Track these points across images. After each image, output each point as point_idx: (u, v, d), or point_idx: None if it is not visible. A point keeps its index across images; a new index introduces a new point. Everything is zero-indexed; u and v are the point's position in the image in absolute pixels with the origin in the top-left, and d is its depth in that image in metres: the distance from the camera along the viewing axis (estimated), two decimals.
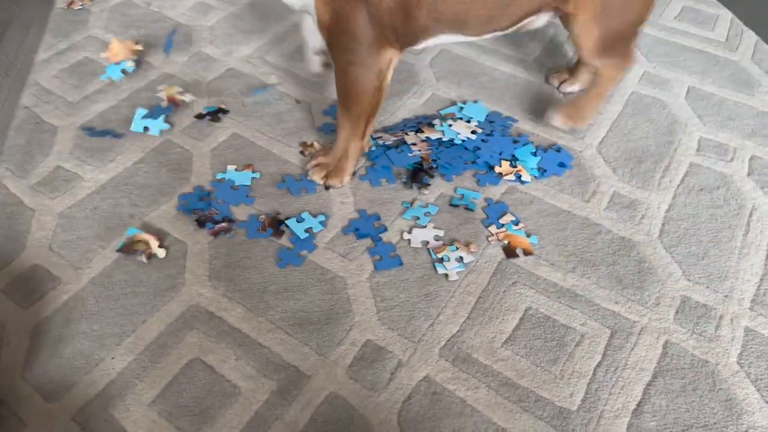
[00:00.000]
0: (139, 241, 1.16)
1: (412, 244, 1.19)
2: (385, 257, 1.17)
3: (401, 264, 1.16)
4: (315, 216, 1.24)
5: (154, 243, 1.15)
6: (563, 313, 1.09)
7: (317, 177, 1.29)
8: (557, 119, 1.36)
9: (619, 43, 1.21)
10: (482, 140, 1.37)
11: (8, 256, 1.16)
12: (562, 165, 1.34)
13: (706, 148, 1.39)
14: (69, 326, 1.06)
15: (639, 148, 1.38)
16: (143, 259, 1.14)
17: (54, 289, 1.11)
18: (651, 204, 1.27)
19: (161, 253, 1.15)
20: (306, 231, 1.21)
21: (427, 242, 1.20)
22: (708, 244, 1.19)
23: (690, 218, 1.24)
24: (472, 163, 1.34)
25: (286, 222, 1.22)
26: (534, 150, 1.36)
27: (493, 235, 1.21)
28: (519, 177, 1.31)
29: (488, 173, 1.32)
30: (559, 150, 1.37)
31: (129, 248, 1.15)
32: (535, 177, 1.32)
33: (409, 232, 1.21)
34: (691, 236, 1.21)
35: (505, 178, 1.30)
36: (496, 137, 1.38)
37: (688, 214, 1.25)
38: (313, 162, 1.31)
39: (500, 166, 1.32)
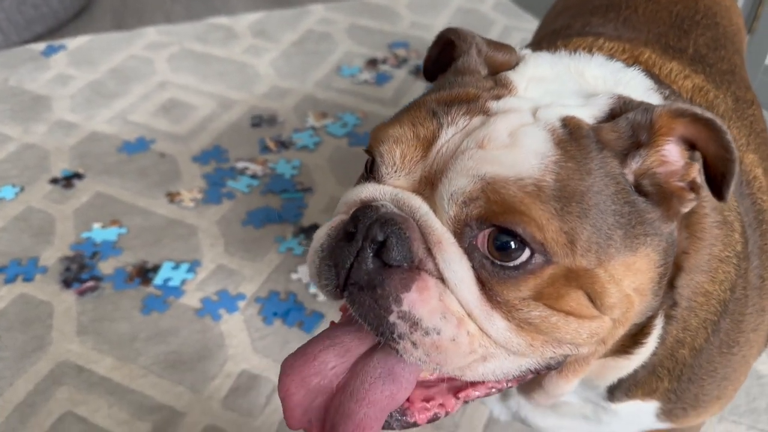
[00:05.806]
0: None
1: (304, 281, 1.23)
2: (306, 321, 1.16)
3: (323, 316, 1.17)
4: (181, 263, 1.26)
5: None
6: None
7: None
8: None
9: None
10: None
11: None
12: None
13: None
14: None
15: None
16: None
17: None
18: None
19: None
20: (170, 282, 1.22)
21: None
22: None
23: None
24: None
25: (162, 267, 1.25)
26: None
27: None
28: None
29: None
30: None
31: None
32: None
33: (296, 271, 1.25)
34: None
35: None
36: None
37: None
38: None
39: None
